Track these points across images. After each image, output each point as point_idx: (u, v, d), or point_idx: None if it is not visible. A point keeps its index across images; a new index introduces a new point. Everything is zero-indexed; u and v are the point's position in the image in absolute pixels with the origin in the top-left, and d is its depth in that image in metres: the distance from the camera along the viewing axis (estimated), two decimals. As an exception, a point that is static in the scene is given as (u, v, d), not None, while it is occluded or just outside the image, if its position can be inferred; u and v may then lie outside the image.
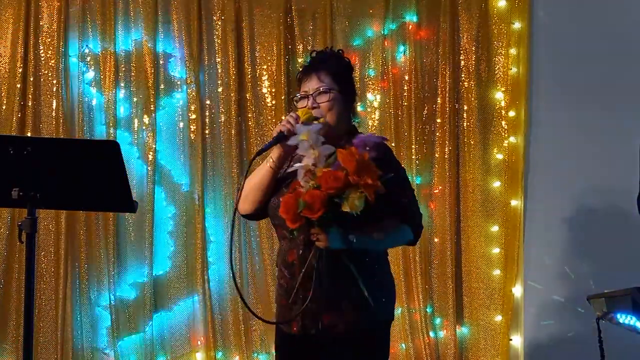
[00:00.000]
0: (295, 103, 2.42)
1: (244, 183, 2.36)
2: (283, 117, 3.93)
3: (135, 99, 3.97)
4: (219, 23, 4.00)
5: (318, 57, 2.44)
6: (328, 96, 2.33)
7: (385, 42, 3.99)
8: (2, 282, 3.91)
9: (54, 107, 3.93)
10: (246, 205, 2.38)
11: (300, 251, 2.27)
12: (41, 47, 3.95)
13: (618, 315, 2.62)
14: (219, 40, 4.00)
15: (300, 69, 2.46)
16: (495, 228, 3.98)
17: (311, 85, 2.36)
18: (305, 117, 2.27)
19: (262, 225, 3.91)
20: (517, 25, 3.97)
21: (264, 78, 4.03)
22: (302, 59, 4.01)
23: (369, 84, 4.00)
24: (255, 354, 3.94)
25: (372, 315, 2.30)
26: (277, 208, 2.21)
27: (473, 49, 3.99)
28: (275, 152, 2.32)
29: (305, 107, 2.34)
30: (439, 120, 3.99)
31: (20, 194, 2.21)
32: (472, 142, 3.99)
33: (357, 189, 2.06)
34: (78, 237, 3.93)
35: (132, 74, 3.97)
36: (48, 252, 3.92)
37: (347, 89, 2.40)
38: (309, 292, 2.20)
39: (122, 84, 3.97)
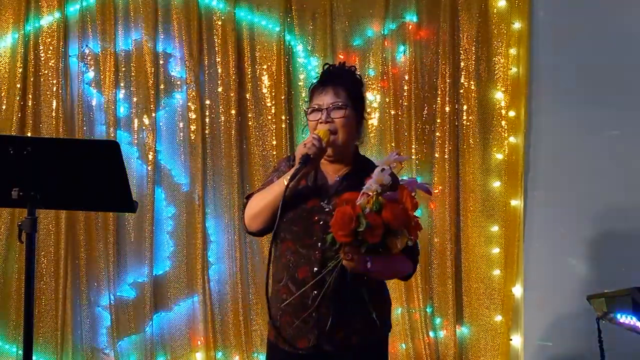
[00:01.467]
0: (306, 115, 2.40)
1: (246, 202, 2.36)
2: (283, 117, 3.94)
3: (135, 99, 3.97)
4: (219, 23, 4.00)
5: (334, 71, 2.41)
6: (343, 112, 2.32)
7: (385, 42, 3.99)
8: (2, 282, 3.91)
9: (54, 107, 3.93)
10: (258, 224, 2.33)
11: (315, 269, 2.24)
12: (41, 47, 3.96)
13: (618, 315, 2.62)
14: (219, 40, 4.00)
15: (315, 81, 2.43)
16: (495, 228, 3.98)
17: (326, 99, 2.34)
18: (326, 139, 2.27)
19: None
20: (517, 25, 3.97)
21: (264, 78, 4.03)
22: (302, 59, 4.01)
23: (369, 84, 3.99)
24: (255, 354, 3.94)
25: (379, 331, 2.37)
26: (294, 222, 2.27)
27: (473, 49, 3.99)
28: (292, 172, 2.24)
29: (318, 120, 2.33)
30: (439, 120, 3.99)
31: (20, 194, 2.21)
32: (472, 142, 3.99)
33: (407, 230, 2.03)
34: (78, 237, 3.93)
35: (132, 74, 3.98)
36: (48, 252, 3.92)
37: (359, 107, 2.40)
38: (325, 309, 2.22)
39: (122, 84, 3.97)
